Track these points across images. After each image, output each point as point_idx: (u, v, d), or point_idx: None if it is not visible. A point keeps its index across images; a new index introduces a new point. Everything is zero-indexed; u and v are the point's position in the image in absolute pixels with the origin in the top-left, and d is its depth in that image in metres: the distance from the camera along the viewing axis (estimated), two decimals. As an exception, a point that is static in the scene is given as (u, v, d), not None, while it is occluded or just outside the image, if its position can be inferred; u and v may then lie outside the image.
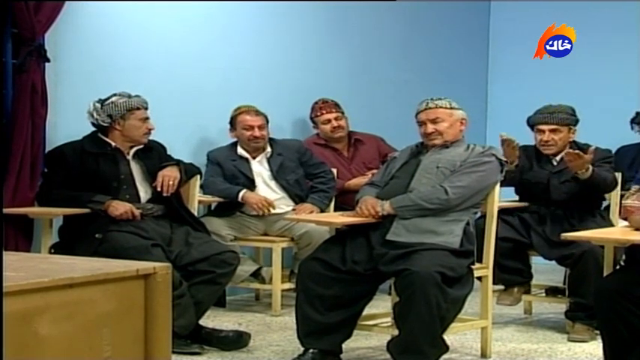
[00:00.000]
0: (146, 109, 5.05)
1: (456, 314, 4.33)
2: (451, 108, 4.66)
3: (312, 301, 4.38)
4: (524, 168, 5.52)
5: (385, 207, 4.47)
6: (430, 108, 4.65)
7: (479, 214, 4.73)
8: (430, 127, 4.63)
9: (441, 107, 4.65)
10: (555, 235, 5.19)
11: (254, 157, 6.05)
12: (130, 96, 5.02)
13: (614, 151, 5.85)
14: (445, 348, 4.31)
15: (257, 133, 5.97)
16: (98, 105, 4.99)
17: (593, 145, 5.40)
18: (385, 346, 4.41)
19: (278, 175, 6.03)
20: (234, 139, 6.08)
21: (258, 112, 6.01)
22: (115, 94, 5.01)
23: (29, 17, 4.98)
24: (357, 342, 4.84)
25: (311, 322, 4.38)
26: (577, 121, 5.52)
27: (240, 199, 5.88)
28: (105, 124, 4.98)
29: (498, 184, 4.66)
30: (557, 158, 5.51)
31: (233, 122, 6.04)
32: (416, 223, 4.41)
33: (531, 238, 5.43)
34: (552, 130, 5.46)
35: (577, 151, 5.19)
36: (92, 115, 4.99)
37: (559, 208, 5.42)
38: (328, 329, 4.38)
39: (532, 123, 5.54)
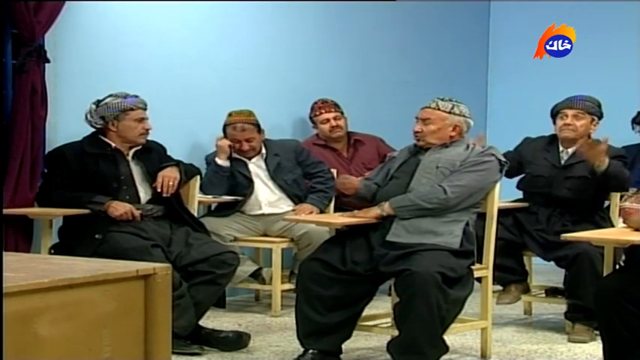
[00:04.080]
0: (144, 109, 5.03)
1: (456, 315, 4.33)
2: (450, 112, 4.63)
3: (312, 301, 4.38)
4: (526, 160, 5.50)
5: (385, 207, 4.47)
6: (429, 108, 4.65)
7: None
8: (417, 126, 4.64)
9: (438, 109, 4.63)
10: (551, 236, 5.19)
11: (250, 159, 6.04)
12: (125, 96, 5.00)
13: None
14: (445, 348, 4.31)
15: (245, 146, 5.96)
16: (94, 106, 4.99)
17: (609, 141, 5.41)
18: (385, 346, 4.41)
19: (275, 175, 6.02)
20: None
21: (246, 122, 5.96)
22: (110, 95, 5.00)
23: (29, 18, 4.97)
24: (357, 342, 4.84)
25: (311, 322, 4.38)
26: (601, 115, 5.50)
27: (216, 160, 5.88)
28: (98, 126, 4.98)
29: (498, 184, 4.66)
30: (570, 150, 5.46)
31: (225, 129, 6.03)
32: (415, 224, 4.41)
33: (525, 238, 5.41)
34: (575, 116, 5.43)
35: (592, 140, 5.16)
36: (87, 117, 5.00)
37: (557, 208, 5.40)
38: (328, 330, 4.38)
39: (557, 110, 5.50)
